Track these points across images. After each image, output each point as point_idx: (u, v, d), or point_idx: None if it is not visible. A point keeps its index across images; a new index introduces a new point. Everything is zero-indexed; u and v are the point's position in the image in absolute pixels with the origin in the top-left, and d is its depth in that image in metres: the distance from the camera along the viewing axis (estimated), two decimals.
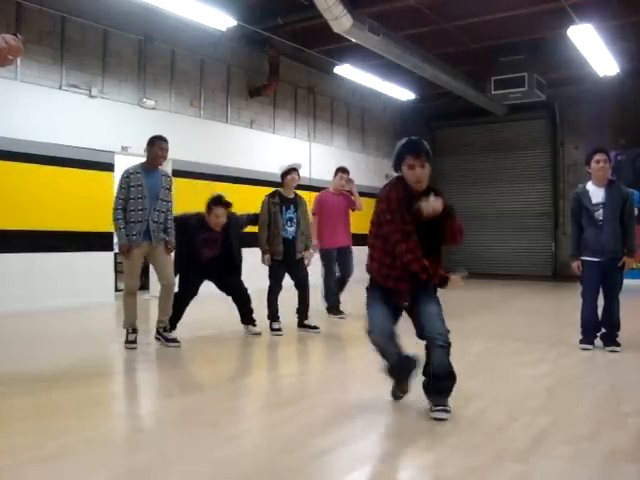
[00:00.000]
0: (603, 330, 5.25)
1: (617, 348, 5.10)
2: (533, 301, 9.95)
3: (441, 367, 3.22)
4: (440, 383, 3.25)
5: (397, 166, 3.36)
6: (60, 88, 8.20)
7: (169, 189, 5.31)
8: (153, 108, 9.35)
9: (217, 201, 5.57)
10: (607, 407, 3.61)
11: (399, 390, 3.47)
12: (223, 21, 8.51)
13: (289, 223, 5.96)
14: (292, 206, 6.01)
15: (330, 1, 7.87)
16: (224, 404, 3.79)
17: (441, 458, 2.73)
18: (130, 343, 5.09)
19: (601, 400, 3.77)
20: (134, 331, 5.13)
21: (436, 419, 3.17)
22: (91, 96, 8.51)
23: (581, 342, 5.27)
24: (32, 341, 5.78)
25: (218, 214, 5.54)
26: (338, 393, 3.91)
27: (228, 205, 5.64)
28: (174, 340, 5.23)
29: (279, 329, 5.91)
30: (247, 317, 5.90)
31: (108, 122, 8.64)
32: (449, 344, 3.22)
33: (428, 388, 3.31)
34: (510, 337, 5.98)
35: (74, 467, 2.64)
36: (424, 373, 3.32)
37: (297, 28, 10.43)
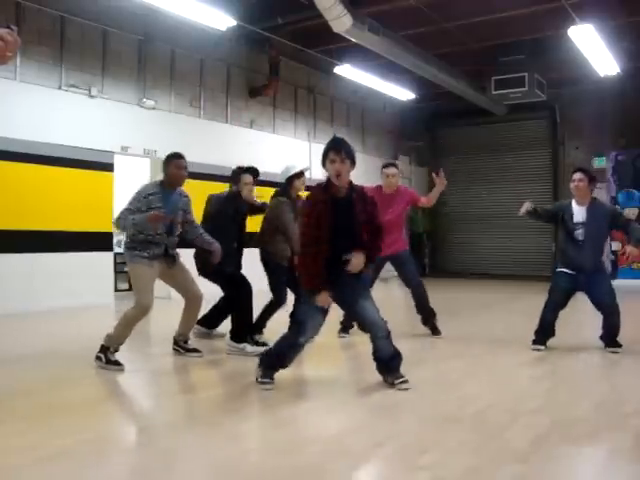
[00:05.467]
0: (603, 333, 5.22)
1: (618, 349, 5.09)
2: (533, 302, 9.87)
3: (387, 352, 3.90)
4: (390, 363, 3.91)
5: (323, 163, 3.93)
6: (60, 88, 8.19)
7: (187, 211, 4.86)
8: (153, 108, 9.34)
9: (245, 169, 5.36)
10: (607, 407, 3.60)
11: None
12: (223, 21, 8.50)
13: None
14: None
15: (330, 1, 7.87)
16: (225, 404, 3.79)
17: (441, 458, 2.73)
18: (117, 364, 4.47)
19: (601, 400, 3.76)
20: (117, 350, 4.55)
21: (402, 389, 3.79)
22: (91, 96, 8.50)
23: (533, 343, 5.27)
24: (32, 341, 5.78)
25: (247, 181, 5.33)
26: (339, 394, 3.91)
27: (256, 173, 5.44)
28: (195, 350, 5.00)
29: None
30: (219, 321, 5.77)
31: (108, 122, 8.62)
32: (389, 332, 3.89)
33: (381, 370, 3.95)
34: (510, 337, 5.97)
35: (74, 467, 2.63)
36: (375, 359, 3.94)
37: (297, 28, 10.41)
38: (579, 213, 5.15)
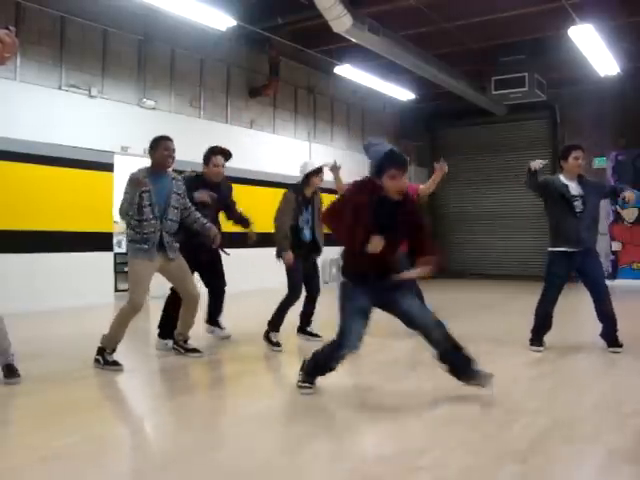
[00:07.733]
0: (602, 329, 5.21)
1: (619, 349, 5.08)
2: (533, 302, 9.89)
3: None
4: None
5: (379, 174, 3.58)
6: (60, 88, 8.20)
7: (182, 195, 4.73)
8: (153, 108, 9.34)
9: (216, 150, 5.25)
10: (607, 407, 3.60)
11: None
12: (223, 21, 8.50)
13: (306, 225, 5.38)
14: (310, 206, 5.41)
15: (330, 1, 7.86)
16: (224, 405, 3.79)
17: (441, 458, 2.73)
18: (115, 365, 4.48)
19: (601, 400, 3.76)
20: (114, 351, 4.55)
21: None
22: (91, 96, 8.50)
23: (532, 344, 5.24)
24: (33, 342, 5.77)
25: (217, 163, 5.24)
26: (337, 395, 3.90)
27: (228, 155, 5.34)
28: (195, 350, 4.98)
29: (279, 344, 5.34)
30: (217, 316, 5.69)
31: (108, 122, 8.63)
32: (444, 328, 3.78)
33: (453, 370, 3.74)
34: (510, 337, 5.97)
35: (76, 467, 2.64)
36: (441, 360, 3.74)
37: (297, 28, 10.41)
38: (572, 186, 5.18)
